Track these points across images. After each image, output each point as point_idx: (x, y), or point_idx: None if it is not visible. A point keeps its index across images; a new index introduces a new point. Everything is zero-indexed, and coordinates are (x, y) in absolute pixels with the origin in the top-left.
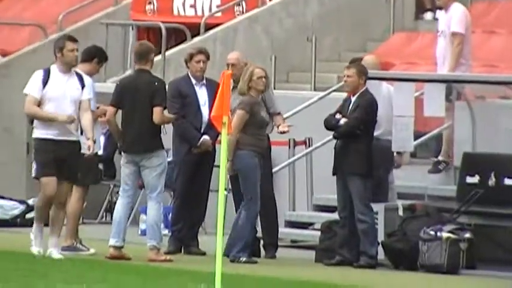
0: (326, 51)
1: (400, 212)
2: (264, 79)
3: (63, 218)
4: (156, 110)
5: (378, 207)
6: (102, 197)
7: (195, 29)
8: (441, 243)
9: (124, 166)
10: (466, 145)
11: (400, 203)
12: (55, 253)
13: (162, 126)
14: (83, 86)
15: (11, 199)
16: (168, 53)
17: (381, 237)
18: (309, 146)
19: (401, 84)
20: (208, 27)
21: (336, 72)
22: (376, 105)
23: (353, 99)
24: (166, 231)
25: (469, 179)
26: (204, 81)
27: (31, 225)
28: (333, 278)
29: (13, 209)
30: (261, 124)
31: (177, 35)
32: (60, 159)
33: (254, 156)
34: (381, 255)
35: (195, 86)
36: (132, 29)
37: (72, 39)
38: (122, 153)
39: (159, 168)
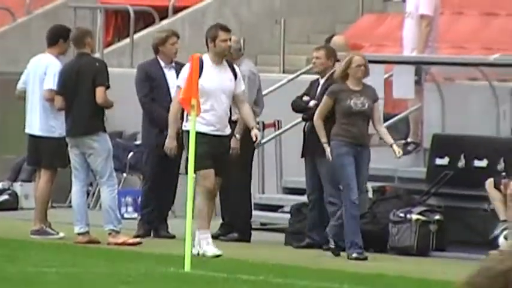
0: (294, 33)
1: (370, 195)
2: (363, 67)
3: (213, 209)
4: (99, 89)
5: None
6: (71, 181)
7: (163, 12)
8: (411, 226)
9: (70, 152)
10: (436, 127)
11: (369, 185)
12: (210, 249)
13: (104, 112)
14: (235, 77)
15: None
16: (136, 36)
17: None
18: (278, 129)
19: (370, 66)
20: (177, 9)
21: (304, 55)
22: None
23: (321, 81)
24: (135, 215)
25: (439, 161)
26: (173, 64)
27: (0, 210)
28: (303, 260)
29: None
30: (347, 112)
31: (145, 18)
32: (215, 154)
33: (342, 146)
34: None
35: (164, 69)
36: (100, 11)
37: (225, 29)
38: (66, 138)
39: (103, 152)
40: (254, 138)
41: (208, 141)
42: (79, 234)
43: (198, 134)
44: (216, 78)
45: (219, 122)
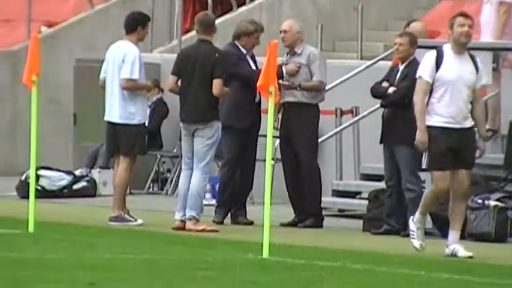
0: (372, 20)
1: None
2: None
3: (463, 211)
4: (216, 82)
5: (425, 176)
6: (149, 168)
7: None
8: (489, 212)
9: (183, 139)
10: None
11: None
12: (461, 251)
13: (219, 101)
14: (477, 70)
15: (58, 170)
16: None
17: None
18: (356, 115)
19: None
20: None
21: (382, 41)
22: None
23: (401, 67)
24: (213, 201)
25: None
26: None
27: (78, 196)
28: (381, 247)
29: (60, 180)
30: None
31: (223, 5)
32: (457, 148)
33: None
34: (428, 224)
35: (245, 54)
36: None
37: (464, 15)
38: (181, 124)
39: (210, 139)
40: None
41: (448, 136)
42: (180, 221)
43: (437, 128)
44: (456, 69)
45: (458, 115)
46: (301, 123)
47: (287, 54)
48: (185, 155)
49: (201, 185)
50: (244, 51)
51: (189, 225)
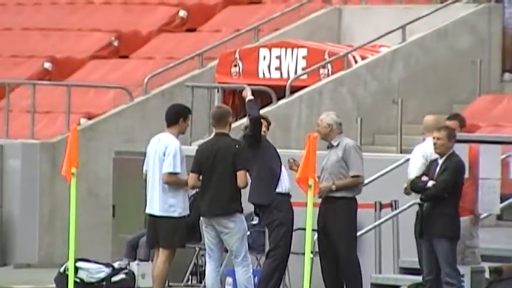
0: (411, 113)
1: (487, 275)
2: None
3: None
4: (241, 174)
5: (465, 270)
6: (188, 260)
7: (280, 92)
8: None
9: (205, 231)
10: None
11: (486, 266)
12: None
13: (241, 194)
14: None
15: (96, 262)
16: None
17: None
18: (395, 209)
19: (487, 147)
20: (294, 89)
21: (421, 135)
22: (463, 167)
23: (440, 161)
24: None
25: None
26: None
27: None
28: None
29: (99, 272)
30: None
31: (262, 98)
32: None
33: None
34: None
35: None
36: (218, 91)
37: None
38: (201, 217)
39: (239, 232)
40: None
41: None
42: None
43: None
44: None
45: None
46: (337, 216)
47: (327, 147)
48: (207, 246)
49: (246, 277)
50: None
51: None
